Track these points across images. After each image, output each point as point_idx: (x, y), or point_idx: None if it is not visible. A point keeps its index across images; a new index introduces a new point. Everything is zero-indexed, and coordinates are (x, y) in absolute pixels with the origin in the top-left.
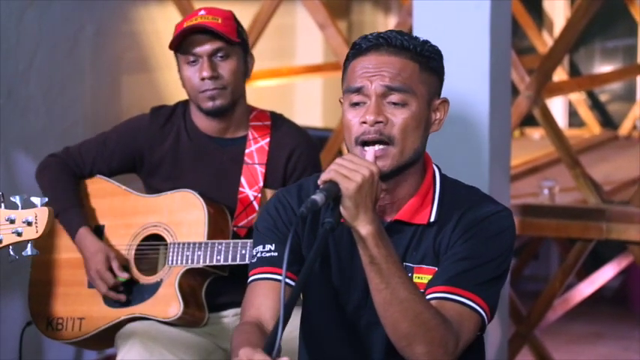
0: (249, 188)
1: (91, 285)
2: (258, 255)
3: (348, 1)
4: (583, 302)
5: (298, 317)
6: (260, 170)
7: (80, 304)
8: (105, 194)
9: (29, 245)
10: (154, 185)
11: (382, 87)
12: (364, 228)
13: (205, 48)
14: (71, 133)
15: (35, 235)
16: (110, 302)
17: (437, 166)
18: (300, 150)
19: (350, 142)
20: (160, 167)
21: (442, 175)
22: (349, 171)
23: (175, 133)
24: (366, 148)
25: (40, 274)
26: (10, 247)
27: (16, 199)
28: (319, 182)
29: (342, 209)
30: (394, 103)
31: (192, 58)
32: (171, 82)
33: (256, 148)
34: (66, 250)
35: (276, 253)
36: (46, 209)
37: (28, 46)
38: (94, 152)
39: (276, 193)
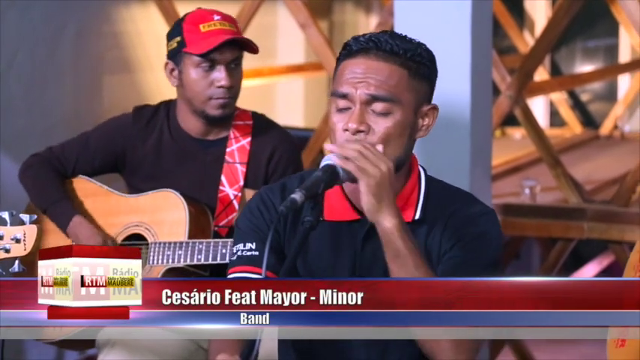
0: (230, 187)
1: None
2: (238, 253)
3: (329, 1)
4: None
5: None
6: (241, 169)
7: None
8: (87, 194)
9: (17, 262)
10: (135, 185)
11: (366, 95)
12: (389, 221)
13: (226, 56)
14: (52, 134)
15: (23, 253)
16: None
17: (423, 167)
18: (281, 150)
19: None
20: (141, 167)
21: (427, 176)
22: (371, 165)
23: (158, 133)
24: None
25: (22, 274)
26: None
27: (5, 215)
28: (324, 164)
29: (363, 205)
30: (378, 112)
31: (207, 65)
32: (153, 82)
33: (237, 147)
34: None
35: (257, 252)
36: (34, 227)
37: (9, 46)
38: (77, 152)
39: (259, 191)
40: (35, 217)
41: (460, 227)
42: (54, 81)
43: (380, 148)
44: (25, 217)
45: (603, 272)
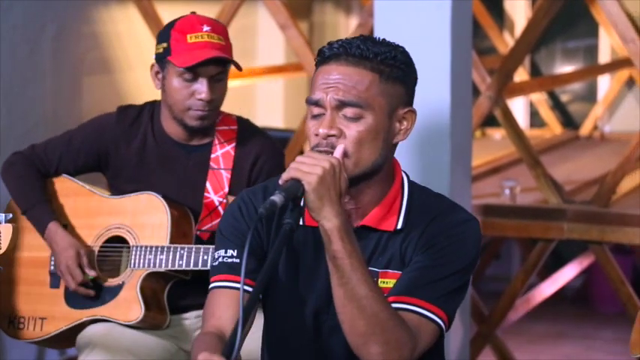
0: (215, 194)
1: (53, 285)
2: (220, 260)
3: (309, 2)
4: (545, 302)
5: (262, 318)
6: (225, 175)
7: (42, 304)
8: (69, 194)
9: None
10: (117, 186)
11: (336, 101)
12: (330, 221)
13: (209, 70)
14: (32, 135)
15: None
16: (72, 303)
17: (405, 173)
18: (265, 156)
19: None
20: (124, 168)
21: (411, 183)
22: (309, 166)
23: (142, 135)
24: None
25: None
26: None
27: None
28: (280, 182)
29: (307, 204)
30: (349, 117)
31: (190, 76)
32: (133, 83)
33: (222, 152)
34: (30, 248)
35: (237, 260)
36: (10, 226)
37: None
38: (60, 151)
39: (241, 194)
40: (11, 216)
41: (436, 235)
42: (34, 82)
43: (340, 149)
44: (0, 215)
45: (583, 273)
